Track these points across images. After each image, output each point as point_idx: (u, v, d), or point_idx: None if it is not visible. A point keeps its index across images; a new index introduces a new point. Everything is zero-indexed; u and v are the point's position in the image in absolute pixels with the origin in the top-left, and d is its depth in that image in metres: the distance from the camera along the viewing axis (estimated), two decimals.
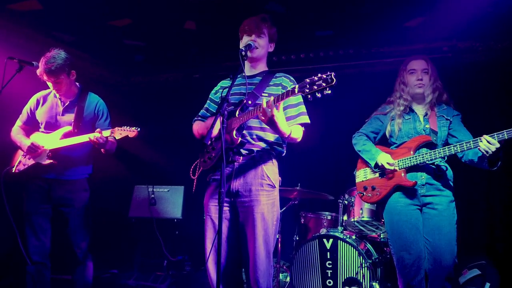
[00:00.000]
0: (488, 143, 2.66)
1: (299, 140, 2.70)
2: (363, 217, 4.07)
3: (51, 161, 3.27)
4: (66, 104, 3.38)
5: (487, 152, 2.68)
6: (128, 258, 5.28)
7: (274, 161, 2.74)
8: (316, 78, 2.27)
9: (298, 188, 4.52)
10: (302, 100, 2.77)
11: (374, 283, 3.76)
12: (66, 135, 3.29)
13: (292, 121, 2.70)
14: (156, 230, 5.05)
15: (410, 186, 2.95)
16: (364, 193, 3.16)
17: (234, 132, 2.59)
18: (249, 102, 2.65)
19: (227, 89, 2.58)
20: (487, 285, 3.96)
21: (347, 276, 3.84)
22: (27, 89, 3.57)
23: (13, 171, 3.35)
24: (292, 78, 2.84)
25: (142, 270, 5.12)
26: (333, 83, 2.25)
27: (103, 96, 3.55)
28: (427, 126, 3.05)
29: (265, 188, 2.62)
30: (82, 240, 3.33)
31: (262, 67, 2.90)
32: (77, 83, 3.45)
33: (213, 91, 3.04)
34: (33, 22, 4.50)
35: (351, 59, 5.18)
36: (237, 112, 2.63)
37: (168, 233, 5.09)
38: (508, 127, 2.68)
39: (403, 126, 3.10)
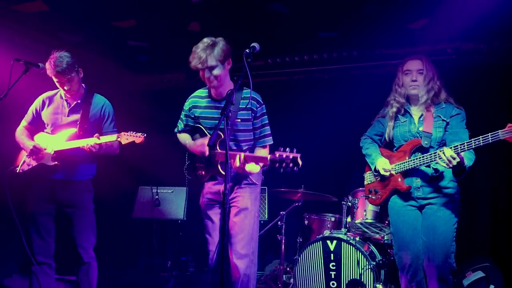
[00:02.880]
0: (449, 156, 2.68)
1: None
2: (366, 218, 4.07)
3: (56, 162, 3.28)
4: (72, 105, 3.39)
5: (448, 164, 2.70)
6: (132, 259, 5.29)
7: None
8: (284, 156, 2.58)
9: (301, 189, 4.52)
10: (267, 121, 3.06)
11: (377, 285, 3.76)
12: (72, 137, 3.30)
13: (259, 142, 3.04)
14: (158, 231, 5.07)
15: (404, 190, 3.00)
16: (370, 196, 3.23)
17: (219, 166, 2.90)
18: (231, 131, 2.92)
19: (232, 91, 2.68)
20: (491, 287, 3.95)
21: (351, 277, 3.83)
22: (32, 90, 3.58)
23: (17, 171, 3.36)
24: (259, 99, 3.02)
25: (146, 270, 5.13)
26: (299, 165, 2.59)
27: (107, 97, 3.55)
28: (421, 128, 3.02)
29: (247, 186, 3.01)
30: (86, 240, 3.34)
31: (228, 85, 3.00)
32: (83, 84, 3.46)
33: (186, 107, 3.18)
34: (38, 23, 4.52)
35: (355, 61, 5.18)
36: (217, 146, 2.91)
37: (172, 234, 5.10)
38: None
39: (400, 129, 3.10)
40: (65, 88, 3.30)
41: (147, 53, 5.50)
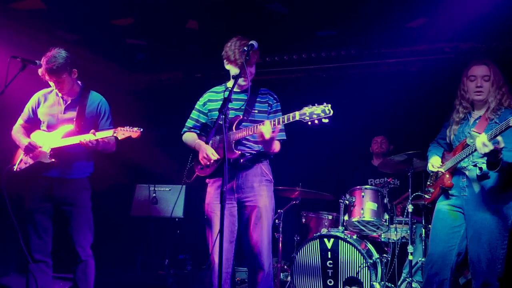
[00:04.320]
0: (482, 143, 2.60)
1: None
2: (364, 217, 4.08)
3: (53, 160, 3.27)
4: (68, 102, 3.39)
5: (480, 150, 2.62)
6: (130, 257, 5.29)
7: (267, 160, 3.09)
8: (314, 108, 2.62)
9: (299, 188, 4.53)
10: (281, 113, 3.06)
11: (374, 283, 3.77)
12: (68, 134, 3.30)
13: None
14: (155, 229, 5.07)
15: (446, 187, 2.98)
16: (425, 195, 3.25)
17: (233, 144, 2.90)
18: (245, 118, 2.97)
19: (229, 90, 2.73)
20: None
21: (348, 275, 3.84)
22: (29, 87, 3.57)
23: (14, 169, 3.36)
24: (275, 96, 3.14)
25: (144, 268, 5.13)
26: (330, 114, 2.60)
27: (105, 95, 3.55)
28: (473, 129, 2.95)
29: (265, 183, 3.00)
30: (84, 238, 3.33)
31: (247, 82, 3.07)
32: (79, 82, 3.45)
33: (200, 103, 3.20)
34: (36, 21, 4.51)
35: (353, 60, 5.18)
36: (234, 127, 2.92)
37: (170, 232, 5.10)
38: None
39: (457, 131, 3.07)
40: (56, 87, 3.30)
41: (145, 51, 5.49)
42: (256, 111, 3.01)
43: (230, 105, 2.96)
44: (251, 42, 2.81)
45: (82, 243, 3.32)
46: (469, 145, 2.87)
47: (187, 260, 5.37)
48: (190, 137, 3.21)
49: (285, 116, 2.73)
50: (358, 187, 4.27)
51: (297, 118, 2.67)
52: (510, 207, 2.83)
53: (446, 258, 2.91)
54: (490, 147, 2.59)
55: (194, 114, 3.22)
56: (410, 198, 3.86)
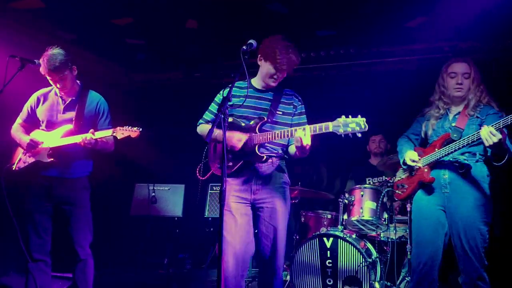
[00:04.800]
0: (488, 133, 2.59)
1: None
2: (363, 216, 4.08)
3: (52, 159, 3.27)
4: (67, 102, 3.39)
5: (487, 140, 2.60)
6: (129, 256, 5.29)
7: (284, 162, 3.04)
8: (349, 121, 2.50)
9: (298, 187, 4.53)
10: (305, 115, 3.04)
11: (374, 282, 3.77)
12: (67, 134, 3.30)
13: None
14: (155, 229, 5.06)
15: (427, 182, 2.96)
16: (397, 191, 3.23)
17: (257, 147, 2.82)
18: (269, 120, 2.88)
19: (229, 88, 2.63)
20: None
21: (347, 275, 3.84)
22: (28, 87, 3.57)
23: (13, 168, 3.36)
24: (300, 98, 3.07)
25: (143, 268, 5.14)
26: (366, 129, 2.51)
27: (104, 95, 3.55)
28: (453, 124, 3.00)
29: (283, 186, 2.95)
30: (83, 238, 3.33)
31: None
32: (78, 81, 3.45)
33: (220, 96, 3.09)
34: (35, 20, 4.51)
35: (352, 59, 5.19)
36: (257, 128, 2.84)
37: (169, 232, 5.10)
38: (511, 127, 2.66)
39: (436, 126, 3.09)
40: (58, 85, 3.30)
41: (145, 51, 5.49)
42: (280, 113, 2.93)
43: (252, 104, 2.92)
44: (250, 41, 2.80)
45: (82, 243, 3.32)
46: (454, 140, 2.90)
47: (187, 259, 5.38)
48: (207, 127, 3.06)
49: (318, 126, 2.62)
50: (357, 186, 4.27)
51: (330, 129, 2.55)
52: (489, 201, 2.90)
53: (434, 259, 2.91)
54: (499, 136, 2.58)
55: (212, 107, 3.12)
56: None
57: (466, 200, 2.87)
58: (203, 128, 3.10)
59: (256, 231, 2.90)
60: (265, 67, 2.93)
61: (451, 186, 2.93)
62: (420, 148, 3.18)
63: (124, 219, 5.21)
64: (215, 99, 3.14)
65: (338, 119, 2.55)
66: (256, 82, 3.02)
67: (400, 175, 3.26)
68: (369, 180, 4.90)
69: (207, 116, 3.13)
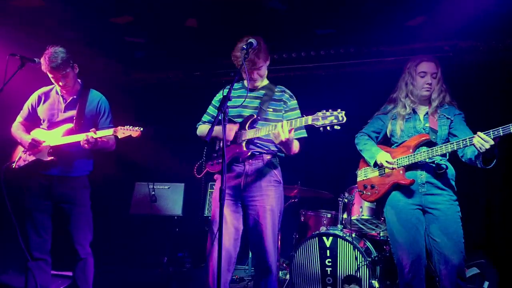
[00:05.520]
0: (482, 140, 2.63)
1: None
2: (362, 215, 4.09)
3: (52, 157, 3.27)
4: (68, 101, 3.39)
5: (481, 148, 2.64)
6: (129, 255, 5.30)
7: (277, 160, 3.03)
8: (328, 114, 2.57)
9: (298, 186, 4.53)
10: (299, 110, 3.04)
11: (373, 281, 3.78)
12: (68, 132, 3.30)
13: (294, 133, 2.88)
14: (154, 227, 5.06)
15: (407, 184, 2.95)
16: (364, 192, 3.18)
17: (244, 144, 2.85)
18: (259, 117, 2.91)
19: (228, 87, 2.63)
20: (486, 283, 3.98)
21: (347, 274, 3.85)
22: (28, 85, 3.57)
23: (13, 167, 3.35)
24: (290, 93, 3.08)
25: (143, 266, 5.14)
26: (343, 121, 2.56)
27: (104, 93, 3.55)
28: (427, 125, 3.05)
29: (273, 184, 2.94)
30: (83, 236, 3.33)
31: (264, 80, 3.06)
32: (79, 80, 3.45)
33: (216, 98, 3.15)
34: (35, 18, 4.50)
35: (352, 58, 5.19)
36: (247, 125, 2.87)
37: (168, 230, 5.10)
38: None
39: (403, 126, 3.09)
40: (60, 83, 3.29)
41: (144, 49, 5.49)
42: (271, 110, 2.96)
43: (245, 103, 2.95)
44: (250, 40, 2.80)
45: (82, 241, 3.32)
46: (432, 141, 2.97)
47: (186, 258, 5.38)
48: (206, 127, 3.15)
49: (298, 120, 2.67)
50: (357, 185, 4.27)
51: (310, 122, 2.60)
52: (456, 198, 2.97)
53: (420, 259, 2.92)
54: (491, 142, 2.62)
55: (210, 109, 3.18)
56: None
57: (442, 197, 2.93)
58: (202, 129, 3.15)
59: (245, 227, 2.94)
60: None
61: (428, 185, 2.96)
62: (385, 147, 3.18)
63: (124, 218, 5.21)
64: (213, 101, 3.18)
65: (318, 112, 2.61)
66: (247, 82, 3.06)
67: (367, 174, 3.21)
68: None
69: (205, 118, 3.19)
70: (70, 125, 3.31)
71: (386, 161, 3.01)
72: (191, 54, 5.50)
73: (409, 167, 3.00)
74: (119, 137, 3.24)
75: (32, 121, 3.46)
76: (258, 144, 2.93)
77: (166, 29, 4.87)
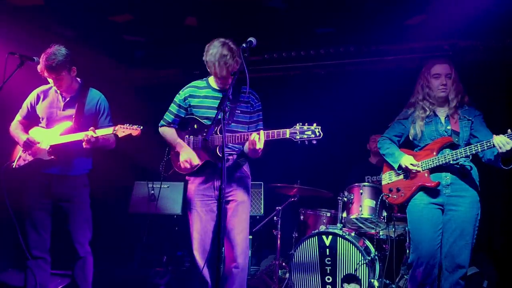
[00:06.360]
0: (501, 141, 2.70)
1: None
2: (362, 214, 4.09)
3: (52, 156, 3.27)
4: (67, 99, 3.38)
5: (501, 148, 2.71)
6: (128, 254, 5.29)
7: (246, 159, 3.12)
8: (305, 128, 2.66)
9: (297, 185, 4.53)
10: (262, 117, 3.13)
11: (372, 280, 3.78)
12: (67, 131, 3.29)
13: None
14: (154, 226, 5.05)
15: (433, 187, 3.01)
16: (390, 195, 3.23)
17: (217, 148, 2.91)
18: (229, 121, 2.96)
19: (229, 87, 2.69)
20: (485, 282, 3.98)
21: (346, 272, 3.85)
22: (27, 84, 3.56)
23: (13, 166, 3.35)
24: (256, 95, 3.12)
25: (142, 265, 5.13)
26: (320, 137, 2.65)
27: (103, 91, 3.54)
28: (449, 127, 3.10)
29: (243, 179, 3.06)
30: (82, 235, 3.33)
31: (229, 79, 3.03)
32: (78, 79, 3.44)
33: (180, 97, 3.17)
34: (34, 16, 4.49)
35: (352, 57, 5.18)
36: (217, 130, 2.90)
37: (168, 229, 5.10)
38: (510, 126, 2.71)
39: (425, 129, 3.14)
40: (54, 84, 3.29)
41: (143, 48, 5.48)
42: (239, 112, 3.03)
43: (210, 104, 3.01)
44: (250, 38, 2.79)
45: (81, 240, 3.32)
46: (455, 144, 3.00)
47: (185, 257, 5.37)
48: (169, 132, 3.20)
49: (275, 132, 2.75)
50: (356, 184, 4.27)
51: (287, 136, 2.70)
52: (479, 199, 3.01)
53: (435, 257, 2.98)
54: (511, 143, 2.69)
55: (173, 108, 3.19)
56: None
57: (465, 198, 2.98)
58: (166, 132, 3.21)
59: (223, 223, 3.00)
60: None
61: (452, 187, 3.01)
62: (408, 150, 3.22)
63: (123, 217, 5.21)
64: (176, 99, 3.19)
65: (295, 126, 2.69)
66: (213, 81, 3.08)
67: (391, 178, 3.26)
68: (368, 178, 4.90)
69: (168, 117, 3.21)
70: (69, 123, 3.31)
71: (411, 164, 3.07)
72: (191, 53, 5.48)
73: (433, 169, 3.04)
74: (119, 136, 3.24)
75: (31, 120, 3.46)
76: (229, 146, 3.02)
77: (166, 27, 4.86)
